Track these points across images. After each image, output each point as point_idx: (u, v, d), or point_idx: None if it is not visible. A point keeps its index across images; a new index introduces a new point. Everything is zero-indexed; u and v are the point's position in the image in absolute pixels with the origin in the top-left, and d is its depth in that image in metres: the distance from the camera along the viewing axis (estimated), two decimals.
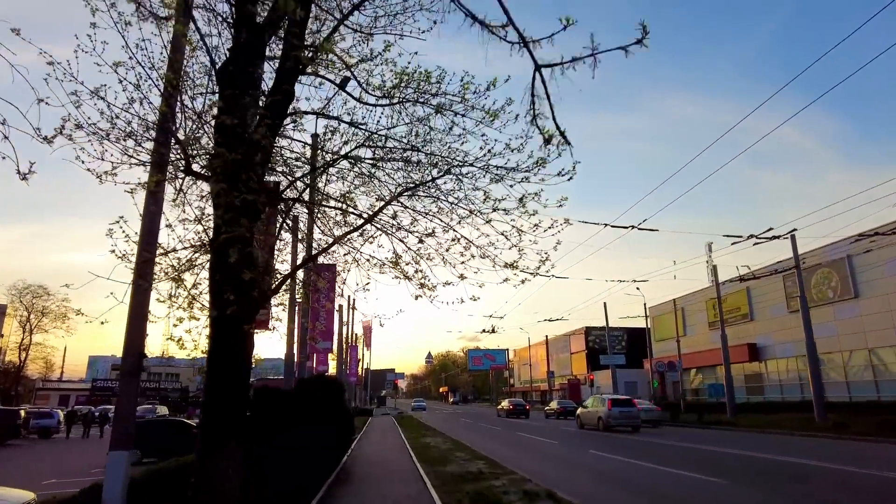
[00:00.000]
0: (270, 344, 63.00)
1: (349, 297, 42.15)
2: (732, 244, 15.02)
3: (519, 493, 8.88)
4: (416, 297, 8.50)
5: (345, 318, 40.84)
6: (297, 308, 17.67)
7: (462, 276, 8.14)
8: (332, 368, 47.75)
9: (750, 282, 41.65)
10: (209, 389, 6.90)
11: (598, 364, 53.42)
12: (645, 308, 44.80)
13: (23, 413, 28.06)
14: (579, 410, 30.27)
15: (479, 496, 8.54)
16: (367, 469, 12.21)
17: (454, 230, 7.71)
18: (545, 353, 65.51)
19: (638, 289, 45.34)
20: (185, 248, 7.55)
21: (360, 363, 59.90)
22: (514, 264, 7.60)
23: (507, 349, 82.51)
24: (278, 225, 8.03)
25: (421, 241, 7.22)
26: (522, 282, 8.47)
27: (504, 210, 7.11)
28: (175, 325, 7.68)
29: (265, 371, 68.52)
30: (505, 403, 46.71)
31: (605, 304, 43.03)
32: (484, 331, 33.58)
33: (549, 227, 7.01)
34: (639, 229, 13.25)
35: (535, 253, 7.57)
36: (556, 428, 27.78)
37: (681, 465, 12.42)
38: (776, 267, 24.71)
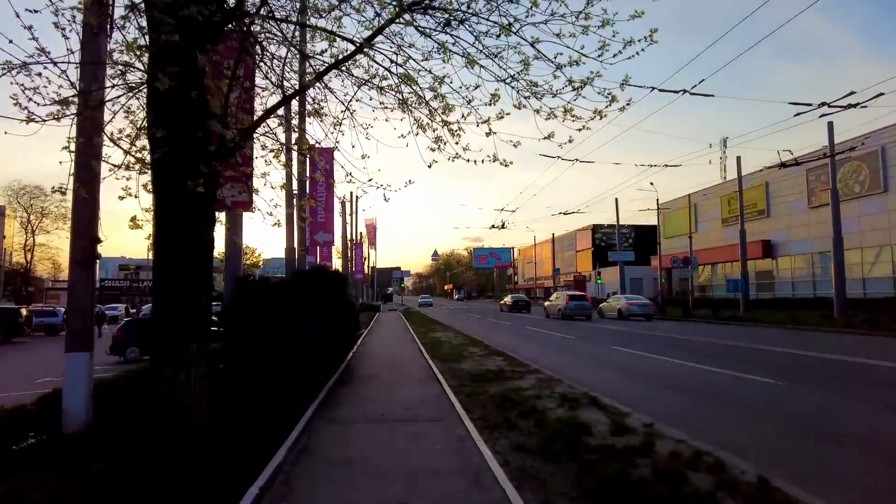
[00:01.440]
0: (278, 244, 61.91)
1: (352, 192, 40.07)
2: (796, 115, 12.69)
3: (554, 397, 7.39)
4: (431, 164, 6.49)
5: (348, 218, 39.14)
6: (293, 193, 15.76)
7: (491, 132, 6.08)
8: (338, 266, 46.89)
9: (769, 177, 39.36)
10: (157, 275, 5.12)
11: (603, 261, 52.41)
12: (657, 203, 42.74)
13: (24, 311, 27.22)
14: (546, 303, 34.50)
15: (507, 402, 7.05)
16: (373, 368, 10.87)
17: (488, 60, 5.50)
18: (550, 251, 64.51)
19: (651, 184, 43.00)
20: (113, 86, 5.42)
21: (367, 261, 59.19)
22: (570, 108, 5.48)
23: (513, 248, 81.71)
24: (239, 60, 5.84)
25: (454, 34, 5.03)
26: (570, 140, 6.42)
27: (560, 17, 4.81)
28: (121, 198, 5.80)
29: (273, 270, 68.12)
30: (507, 299, 46.68)
31: (616, 199, 41.08)
32: (493, 226, 31.85)
33: (626, 46, 4.79)
34: (691, 94, 10.89)
35: (597, 92, 5.43)
36: (563, 322, 26.87)
37: (723, 364, 11.03)
38: (824, 151, 22.25)
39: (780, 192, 38.67)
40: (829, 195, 34.71)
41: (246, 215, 11.60)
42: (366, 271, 57.66)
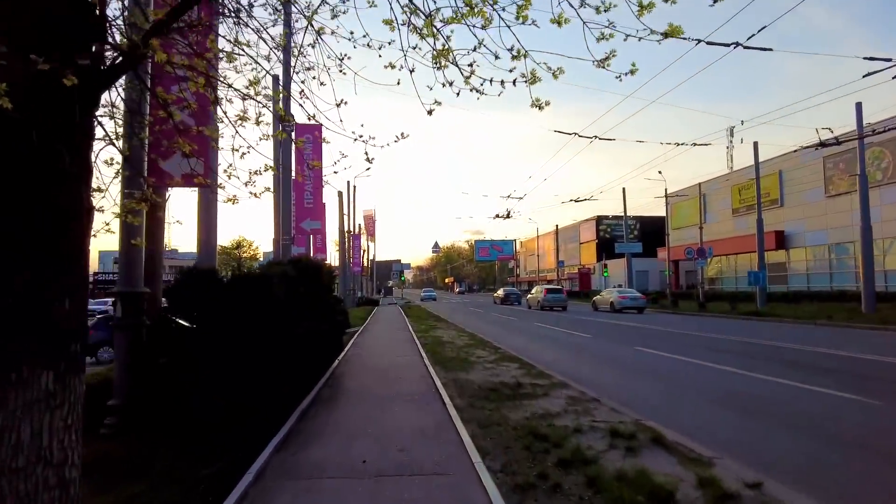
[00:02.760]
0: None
1: (349, 182, 38.04)
2: (866, 76, 10.65)
3: (600, 430, 5.42)
4: (431, 109, 4.49)
5: (345, 209, 37.20)
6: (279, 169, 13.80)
7: (522, 53, 4.12)
8: (335, 260, 45.06)
9: (782, 165, 37.37)
10: None
11: (609, 253, 50.47)
12: (665, 193, 40.75)
13: None
14: (528, 296, 38.52)
15: (537, 440, 5.08)
16: (363, 379, 8.91)
17: None
18: (552, 243, 62.55)
19: (660, 172, 41.07)
20: None
21: (366, 254, 57.29)
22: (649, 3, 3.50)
23: (515, 240, 79.55)
24: None
25: None
26: (631, 71, 4.44)
27: None
28: None
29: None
30: (500, 292, 49.35)
31: (623, 189, 38.98)
32: (497, 216, 29.80)
33: None
34: (745, 48, 8.90)
35: None
36: (571, 317, 24.96)
37: (777, 371, 9.06)
38: (872, 128, 20.18)
39: (795, 181, 36.67)
40: (848, 183, 32.82)
41: (238, 201, 9.69)
42: (364, 264, 55.78)
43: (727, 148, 61.40)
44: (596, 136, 14.67)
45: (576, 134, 14.23)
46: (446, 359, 10.75)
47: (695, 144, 17.19)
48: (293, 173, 14.50)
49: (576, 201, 27.36)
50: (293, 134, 15.08)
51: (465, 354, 11.45)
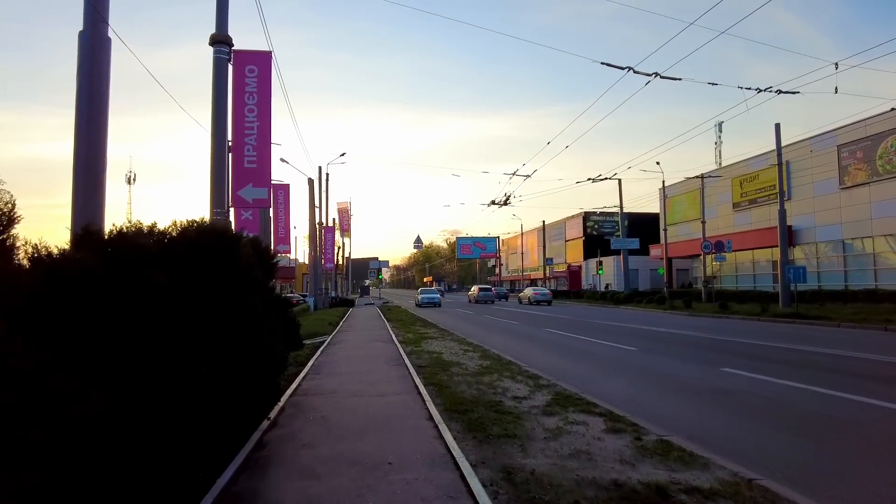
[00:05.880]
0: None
1: (320, 167, 33.19)
2: None
3: None
4: None
5: (317, 199, 32.33)
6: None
7: None
8: (304, 256, 39.95)
9: (790, 155, 33.85)
10: None
11: (601, 250, 46.63)
12: (663, 185, 37.17)
13: None
14: (469, 293, 47.96)
15: None
16: (315, 477, 4.33)
17: None
18: (537, 240, 58.63)
19: (658, 163, 37.42)
20: None
21: (341, 251, 52.35)
22: None
23: (498, 237, 75.34)
24: None
25: None
26: None
27: None
28: None
29: None
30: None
31: (619, 180, 35.13)
32: (493, 202, 25.52)
33: None
34: None
35: None
36: (556, 317, 20.84)
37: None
38: None
39: (804, 172, 33.30)
40: (866, 173, 29.52)
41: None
42: (339, 262, 50.86)
43: (716, 144, 58.47)
44: (657, 74, 10.40)
45: (630, 69, 9.98)
46: (463, 402, 6.22)
47: (780, 92, 12.95)
48: (229, 119, 9.85)
49: (592, 181, 23.22)
50: (230, 65, 10.46)
51: (489, 389, 6.97)
